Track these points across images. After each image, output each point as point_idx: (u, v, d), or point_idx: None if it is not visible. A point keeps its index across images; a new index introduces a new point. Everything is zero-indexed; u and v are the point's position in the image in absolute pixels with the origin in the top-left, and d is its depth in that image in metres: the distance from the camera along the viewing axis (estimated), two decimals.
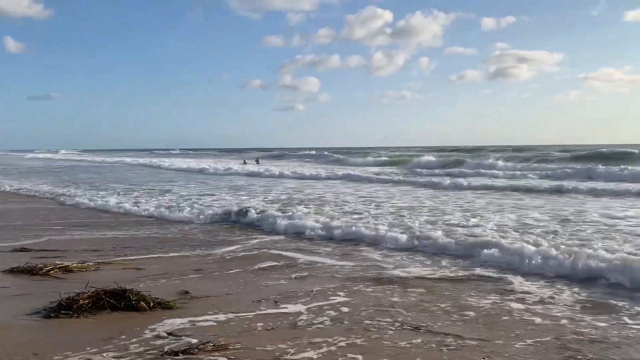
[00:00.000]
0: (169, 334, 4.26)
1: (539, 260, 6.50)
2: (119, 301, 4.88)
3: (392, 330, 4.37)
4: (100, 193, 16.47)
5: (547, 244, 7.24)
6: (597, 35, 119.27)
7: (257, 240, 8.71)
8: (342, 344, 4.05)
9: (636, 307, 4.93)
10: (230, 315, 4.75)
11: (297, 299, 5.27)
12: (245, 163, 40.70)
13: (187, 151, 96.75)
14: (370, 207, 12.50)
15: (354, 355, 3.82)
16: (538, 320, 4.61)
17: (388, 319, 4.63)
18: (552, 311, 4.87)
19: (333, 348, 3.98)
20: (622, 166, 22.07)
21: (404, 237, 8.13)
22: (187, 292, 5.45)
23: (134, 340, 4.10)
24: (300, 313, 4.84)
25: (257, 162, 41.66)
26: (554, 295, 5.38)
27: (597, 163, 23.86)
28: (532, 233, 8.43)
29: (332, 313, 4.84)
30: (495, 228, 9.04)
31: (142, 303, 4.87)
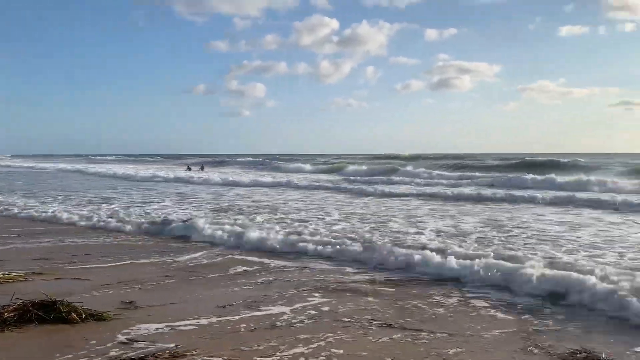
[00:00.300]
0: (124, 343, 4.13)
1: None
2: (48, 313, 4.57)
3: (373, 327, 4.64)
4: (32, 201, 15.38)
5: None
6: (534, 49, 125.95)
7: (206, 251, 8.31)
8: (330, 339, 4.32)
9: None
10: (188, 322, 4.72)
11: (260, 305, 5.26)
12: (189, 169, 39.71)
13: (124, 157, 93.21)
14: (310, 214, 12.29)
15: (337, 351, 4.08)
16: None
17: (367, 316, 4.93)
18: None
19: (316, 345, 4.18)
20: (542, 176, 22.98)
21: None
22: (131, 302, 5.28)
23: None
24: (277, 315, 4.97)
25: (202, 169, 40.73)
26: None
27: (523, 172, 24.84)
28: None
29: (312, 312, 5.08)
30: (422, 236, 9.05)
31: (74, 315, 4.59)
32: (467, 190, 18.96)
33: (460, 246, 7.87)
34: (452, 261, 6.63)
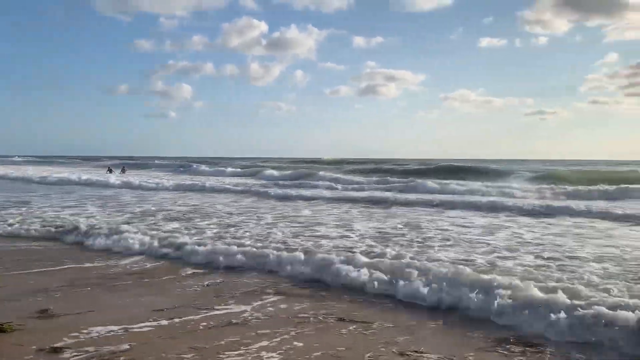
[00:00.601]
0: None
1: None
2: None
3: (329, 321, 5.01)
4: None
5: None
6: (456, 59, 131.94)
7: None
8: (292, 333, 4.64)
9: None
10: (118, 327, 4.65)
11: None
12: (110, 172, 37.66)
13: (32, 158, 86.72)
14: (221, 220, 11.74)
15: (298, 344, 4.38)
16: None
17: (323, 311, 5.28)
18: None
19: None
20: (447, 180, 23.84)
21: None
22: (46, 310, 5.08)
23: None
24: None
25: (123, 171, 38.75)
26: None
27: (440, 176, 25.61)
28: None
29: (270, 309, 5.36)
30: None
31: None
32: (376, 193, 19.11)
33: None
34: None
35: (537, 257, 7.50)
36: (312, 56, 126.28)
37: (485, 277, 5.74)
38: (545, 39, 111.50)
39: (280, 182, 27.08)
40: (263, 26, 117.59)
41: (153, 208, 14.21)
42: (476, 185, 21.40)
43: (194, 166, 45.48)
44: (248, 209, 14.42)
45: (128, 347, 4.12)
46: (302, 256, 7.12)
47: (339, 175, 28.94)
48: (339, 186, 23.48)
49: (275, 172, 34.22)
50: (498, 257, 7.53)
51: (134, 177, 30.72)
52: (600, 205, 14.37)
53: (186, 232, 9.71)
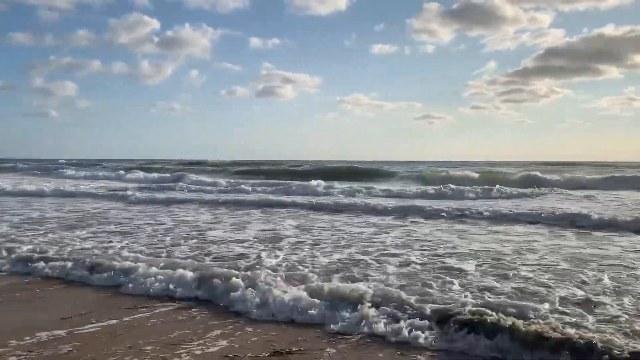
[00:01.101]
0: None
1: None
2: None
3: None
4: None
5: None
6: (350, 63, 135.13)
7: None
8: None
9: None
10: None
11: None
12: None
13: None
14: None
15: None
16: None
17: None
18: None
19: None
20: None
21: None
22: None
23: None
24: None
25: None
26: None
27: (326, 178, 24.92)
28: None
29: None
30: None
31: None
32: (240, 196, 17.91)
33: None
34: None
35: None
36: (207, 56, 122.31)
37: None
38: (432, 47, 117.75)
39: (144, 185, 25.02)
40: (155, 23, 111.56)
41: None
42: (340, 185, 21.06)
43: (61, 170, 41.15)
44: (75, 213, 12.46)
45: None
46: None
47: (203, 178, 27.39)
48: (193, 187, 22.80)
49: (140, 174, 32.04)
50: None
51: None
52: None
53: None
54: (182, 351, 3.99)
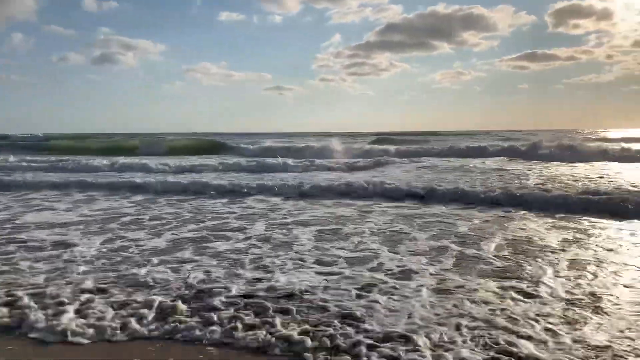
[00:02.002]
0: None
1: None
2: None
3: None
4: None
5: None
6: (197, 31, 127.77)
7: None
8: None
9: None
10: None
11: None
12: None
13: None
14: None
15: None
16: None
17: None
18: None
19: None
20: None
21: None
22: None
23: None
24: None
25: None
26: None
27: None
28: None
29: None
30: None
31: None
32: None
33: None
34: None
35: None
36: (33, 18, 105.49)
37: None
38: (280, 17, 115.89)
39: None
40: None
41: None
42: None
43: None
44: None
45: None
46: None
47: None
48: None
49: None
50: None
51: None
52: None
53: None
54: None
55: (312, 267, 5.16)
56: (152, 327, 3.74)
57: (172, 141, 33.22)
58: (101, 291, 4.43)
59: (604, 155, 18.99)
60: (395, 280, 4.65)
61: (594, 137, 42.47)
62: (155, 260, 5.46)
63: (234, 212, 8.51)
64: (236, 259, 5.49)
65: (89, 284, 4.62)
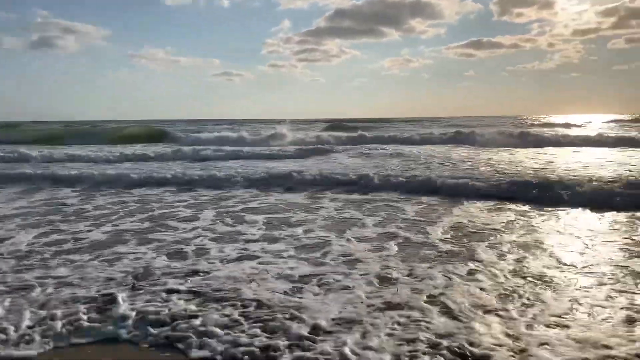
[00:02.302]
0: None
1: None
2: None
3: None
4: None
5: None
6: (141, 14, 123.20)
7: None
8: None
9: None
10: None
11: None
12: None
13: None
14: None
15: None
16: None
17: None
18: None
19: None
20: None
21: None
22: None
23: None
24: None
25: None
26: None
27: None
28: None
29: None
30: None
31: None
32: None
33: None
34: None
35: None
36: None
37: None
38: (227, 1, 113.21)
39: None
40: None
41: None
42: None
43: None
44: None
45: None
46: None
47: None
48: None
49: None
50: None
51: None
52: None
53: None
54: None
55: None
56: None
57: (106, 130, 31.64)
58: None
59: (545, 142, 19.41)
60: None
61: (537, 123, 43.79)
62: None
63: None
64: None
65: None
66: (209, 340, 3.17)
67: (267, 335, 3.23)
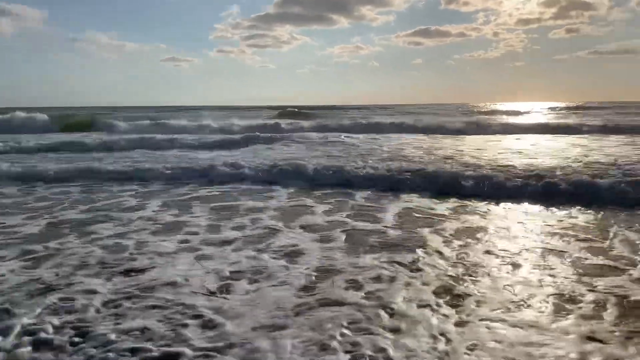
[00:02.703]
0: None
1: None
2: None
3: None
4: None
5: None
6: None
7: None
8: None
9: None
10: None
11: None
12: None
13: None
14: None
15: None
16: None
17: None
18: None
19: None
20: None
21: None
22: None
23: None
24: None
25: None
26: None
27: None
28: None
29: None
30: None
31: None
32: None
33: None
34: None
35: None
36: None
37: None
38: None
39: None
40: None
41: None
42: None
43: None
44: None
45: None
46: None
47: None
48: None
49: None
50: None
51: None
52: None
53: None
54: None
55: None
56: None
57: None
58: None
59: (489, 129, 19.77)
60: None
61: (483, 111, 44.67)
62: None
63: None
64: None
65: None
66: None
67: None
